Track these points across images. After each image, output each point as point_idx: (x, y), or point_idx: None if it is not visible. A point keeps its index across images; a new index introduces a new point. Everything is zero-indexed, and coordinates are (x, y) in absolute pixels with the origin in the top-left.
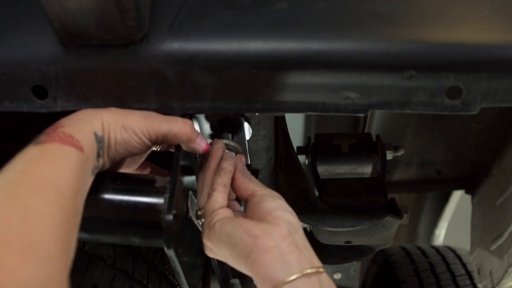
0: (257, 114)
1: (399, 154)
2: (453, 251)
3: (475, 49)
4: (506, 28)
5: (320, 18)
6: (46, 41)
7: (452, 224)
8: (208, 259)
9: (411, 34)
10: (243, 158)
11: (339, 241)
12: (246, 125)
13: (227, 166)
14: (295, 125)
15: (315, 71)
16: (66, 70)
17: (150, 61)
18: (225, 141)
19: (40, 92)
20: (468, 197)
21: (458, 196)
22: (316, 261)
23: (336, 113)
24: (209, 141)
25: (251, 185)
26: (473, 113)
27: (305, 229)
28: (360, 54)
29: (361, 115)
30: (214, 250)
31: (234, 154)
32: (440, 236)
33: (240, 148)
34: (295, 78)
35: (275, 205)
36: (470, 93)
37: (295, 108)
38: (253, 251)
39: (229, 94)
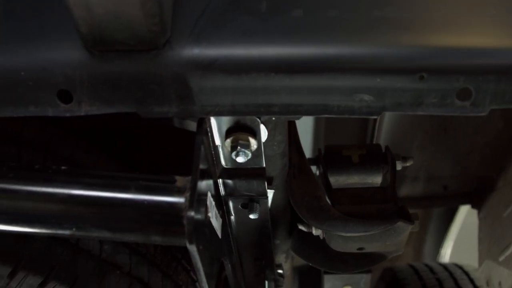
0: (273, 118)
1: (408, 164)
2: (460, 267)
3: (483, 53)
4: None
5: (334, 24)
6: (71, 46)
7: (458, 243)
8: (222, 269)
9: (421, 39)
10: None
11: (352, 247)
12: (262, 127)
13: None
14: (304, 138)
15: (331, 74)
16: (90, 74)
17: (172, 65)
18: None
19: (65, 96)
20: (474, 215)
21: (463, 215)
22: None
23: (351, 115)
24: (228, 140)
25: None
26: (482, 114)
27: (317, 237)
28: (373, 58)
29: (375, 117)
30: None
31: None
32: (446, 255)
33: None
34: (311, 82)
35: None
36: (479, 95)
37: (311, 110)
38: None
39: (248, 97)
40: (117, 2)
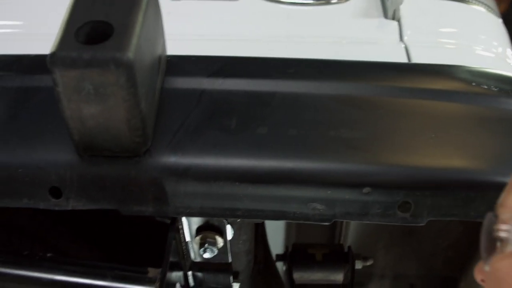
0: (238, 220)
1: (368, 264)
2: None
3: (421, 171)
4: (446, 154)
5: (293, 142)
6: (64, 150)
7: None
8: None
9: (367, 157)
10: None
11: None
12: (228, 227)
13: None
14: (277, 236)
15: (288, 186)
16: (79, 175)
17: (150, 171)
18: None
19: (56, 192)
20: None
21: None
22: None
23: (305, 221)
24: (197, 237)
25: None
26: (421, 224)
27: None
28: (325, 173)
29: (327, 223)
30: None
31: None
32: None
33: None
34: (272, 191)
35: None
36: (418, 208)
37: (271, 216)
38: None
39: (215, 202)
40: (106, 117)
